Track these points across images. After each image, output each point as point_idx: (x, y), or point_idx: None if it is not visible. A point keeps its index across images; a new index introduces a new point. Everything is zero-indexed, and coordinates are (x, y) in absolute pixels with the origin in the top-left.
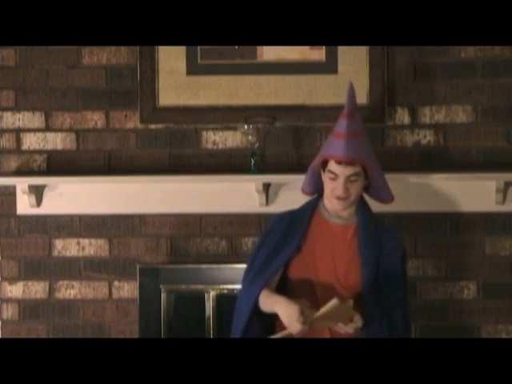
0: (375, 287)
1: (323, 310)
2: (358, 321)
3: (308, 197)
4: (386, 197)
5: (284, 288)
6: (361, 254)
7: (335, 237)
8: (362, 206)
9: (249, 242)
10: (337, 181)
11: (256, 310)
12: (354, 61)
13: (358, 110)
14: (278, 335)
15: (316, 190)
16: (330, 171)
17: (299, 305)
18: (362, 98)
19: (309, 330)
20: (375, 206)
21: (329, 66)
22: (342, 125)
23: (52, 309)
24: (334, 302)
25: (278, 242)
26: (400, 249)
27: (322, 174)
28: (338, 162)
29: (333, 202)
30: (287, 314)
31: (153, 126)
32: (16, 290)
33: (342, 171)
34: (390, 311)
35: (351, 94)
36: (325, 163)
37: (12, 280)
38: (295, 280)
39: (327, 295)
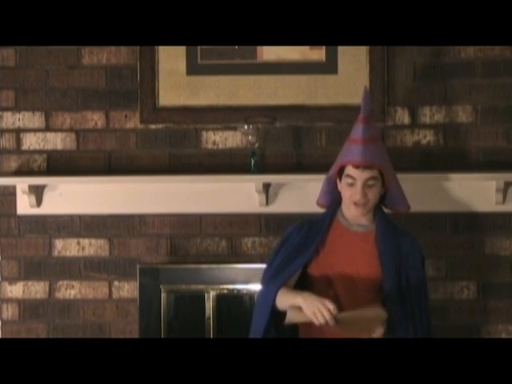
0: (399, 295)
1: (358, 311)
2: (379, 333)
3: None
4: (402, 206)
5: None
6: (382, 263)
7: (356, 245)
8: (379, 213)
9: (249, 242)
10: (355, 186)
11: (274, 310)
12: (354, 61)
13: (373, 115)
14: (295, 319)
15: (332, 202)
16: (348, 175)
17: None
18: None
19: (333, 327)
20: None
21: (329, 66)
22: (358, 130)
23: (52, 309)
24: (373, 309)
25: (295, 248)
26: (419, 252)
27: (339, 183)
28: (356, 167)
29: (351, 208)
30: (316, 304)
31: (153, 126)
32: (16, 290)
33: (360, 175)
34: (414, 319)
35: (366, 98)
36: (340, 171)
37: (12, 280)
38: (316, 283)
39: (349, 302)
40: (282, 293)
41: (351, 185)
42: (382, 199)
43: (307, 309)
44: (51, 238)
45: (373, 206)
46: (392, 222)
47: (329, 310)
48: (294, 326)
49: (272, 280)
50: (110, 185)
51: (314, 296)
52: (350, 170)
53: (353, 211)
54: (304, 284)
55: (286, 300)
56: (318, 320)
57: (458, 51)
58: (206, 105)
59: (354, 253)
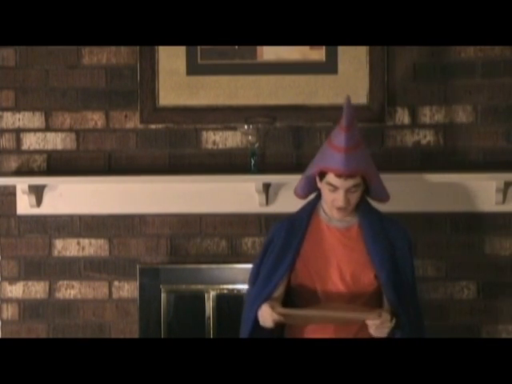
0: (397, 285)
1: (299, 311)
2: (385, 316)
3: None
4: (384, 196)
5: (290, 297)
6: (373, 255)
7: (338, 241)
8: (362, 205)
9: (249, 242)
10: (337, 192)
11: (258, 329)
12: (354, 61)
13: (356, 122)
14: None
15: (310, 192)
16: (330, 184)
17: (269, 302)
18: (361, 97)
19: (287, 324)
20: (375, 206)
21: (329, 66)
22: (340, 138)
23: (52, 309)
24: (314, 310)
25: (278, 253)
26: (407, 239)
27: (319, 182)
28: (338, 176)
29: (333, 211)
30: (262, 309)
31: (153, 126)
32: (16, 290)
33: (343, 184)
34: (408, 308)
35: (349, 107)
36: (322, 173)
37: (12, 280)
38: (299, 288)
39: (332, 300)
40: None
41: (333, 191)
42: (366, 191)
43: (260, 319)
44: (51, 238)
45: (355, 206)
46: (376, 210)
47: (272, 308)
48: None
49: (256, 299)
50: (110, 185)
51: (265, 303)
52: (331, 178)
53: (335, 215)
54: (291, 291)
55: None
56: (266, 323)
57: (458, 51)
58: (206, 105)
59: (336, 250)
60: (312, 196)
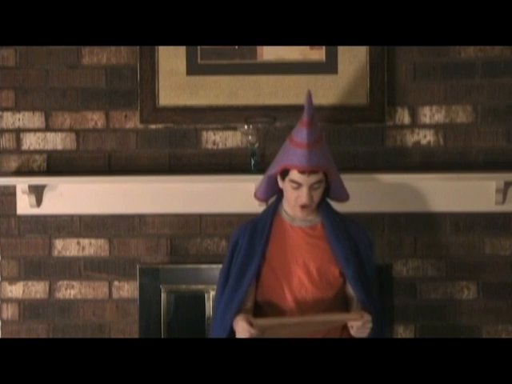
0: (363, 280)
1: (279, 319)
2: (366, 316)
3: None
4: (343, 196)
5: (259, 306)
6: (338, 252)
7: (302, 239)
8: (323, 205)
9: None
10: (300, 189)
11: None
12: (354, 61)
13: (317, 118)
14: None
15: (271, 195)
16: (293, 181)
17: (244, 315)
18: (361, 98)
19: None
20: (374, 207)
21: (329, 66)
22: (301, 134)
23: (52, 309)
24: (295, 317)
25: (243, 258)
26: (368, 239)
27: (281, 181)
28: (301, 172)
29: (296, 210)
30: (238, 325)
31: (153, 126)
32: (16, 290)
33: (306, 180)
34: (374, 302)
35: (310, 102)
36: (283, 171)
37: (12, 280)
38: (267, 292)
39: (300, 301)
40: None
41: (296, 188)
42: (327, 192)
43: (237, 334)
44: (51, 238)
45: (317, 204)
46: (336, 212)
47: (249, 324)
48: None
49: (226, 311)
50: (110, 185)
51: (239, 316)
52: (295, 175)
53: (299, 213)
54: (260, 298)
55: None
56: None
57: (458, 51)
58: (206, 105)
59: (301, 248)
60: (273, 199)
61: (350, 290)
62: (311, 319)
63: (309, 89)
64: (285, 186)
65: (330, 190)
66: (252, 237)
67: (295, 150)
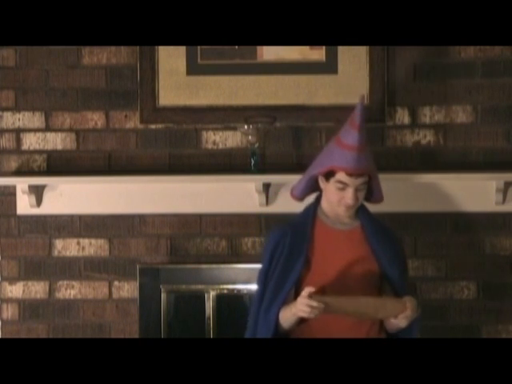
0: (406, 282)
1: (340, 298)
2: (408, 311)
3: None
4: (378, 197)
5: None
6: (381, 255)
7: (343, 243)
8: (362, 209)
9: (249, 242)
10: (346, 190)
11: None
12: (354, 61)
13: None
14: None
15: (307, 194)
16: (340, 182)
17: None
18: None
19: (326, 313)
20: (374, 207)
21: (329, 66)
22: (353, 137)
23: (52, 309)
24: (356, 298)
25: (285, 261)
26: (400, 240)
27: (324, 182)
28: (350, 174)
29: (340, 209)
30: (298, 301)
31: (153, 126)
32: (16, 290)
33: (354, 182)
34: None
35: (363, 106)
36: (329, 172)
37: (12, 280)
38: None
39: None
40: (280, 314)
41: (342, 189)
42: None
43: (296, 311)
44: (51, 238)
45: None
46: (374, 216)
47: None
48: None
49: (270, 308)
50: (110, 185)
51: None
52: (342, 176)
53: (343, 213)
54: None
55: (287, 318)
56: (308, 313)
57: (458, 51)
58: (206, 105)
59: (342, 252)
60: (310, 200)
61: (389, 292)
62: (367, 301)
63: (362, 93)
64: (328, 186)
65: (371, 192)
66: (293, 242)
67: (343, 152)
